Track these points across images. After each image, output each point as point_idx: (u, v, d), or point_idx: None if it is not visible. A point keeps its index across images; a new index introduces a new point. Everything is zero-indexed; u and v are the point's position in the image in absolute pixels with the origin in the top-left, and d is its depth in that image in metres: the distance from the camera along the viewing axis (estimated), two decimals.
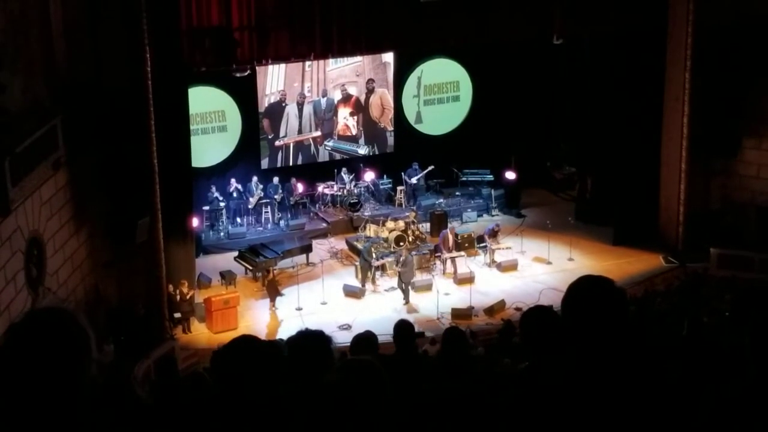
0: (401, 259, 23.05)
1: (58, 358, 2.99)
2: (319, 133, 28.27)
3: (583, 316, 3.69)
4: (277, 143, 27.79)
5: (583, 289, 3.77)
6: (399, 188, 28.17)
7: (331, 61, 27.07)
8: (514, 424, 3.82)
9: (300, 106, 27.74)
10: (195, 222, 24.09)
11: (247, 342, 4.66)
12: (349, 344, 9.49)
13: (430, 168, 28.10)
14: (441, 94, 29.69)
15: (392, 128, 29.12)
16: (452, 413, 2.69)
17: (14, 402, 2.98)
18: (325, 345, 5.44)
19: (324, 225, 26.99)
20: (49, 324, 3.06)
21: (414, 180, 28.09)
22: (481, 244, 25.00)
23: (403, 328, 8.86)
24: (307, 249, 25.13)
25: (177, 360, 19.93)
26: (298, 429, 3.05)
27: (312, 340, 5.39)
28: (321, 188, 27.60)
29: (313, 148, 28.37)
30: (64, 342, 3.02)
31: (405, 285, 22.88)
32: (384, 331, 10.94)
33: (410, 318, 18.41)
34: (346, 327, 21.07)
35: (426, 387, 2.61)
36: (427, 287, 23.34)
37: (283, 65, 26.44)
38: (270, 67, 26.19)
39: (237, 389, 4.21)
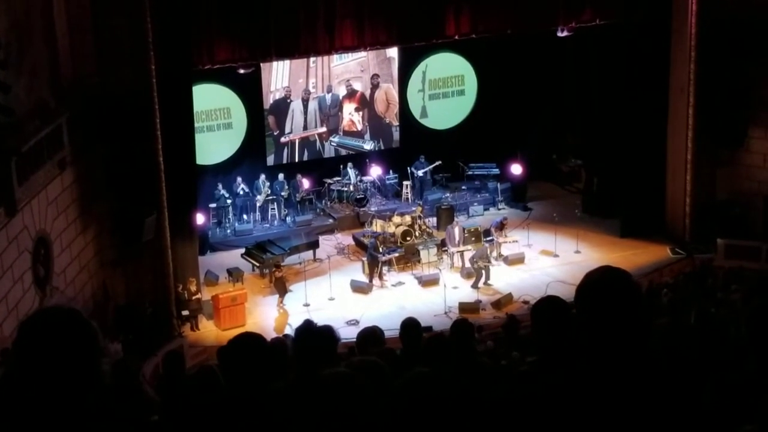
0: (479, 253, 23.42)
1: (69, 351, 3.02)
2: (324, 129, 28.28)
3: (595, 306, 3.69)
4: (282, 140, 27.80)
5: (599, 279, 3.77)
6: (405, 183, 28.19)
7: (335, 56, 27.06)
8: (520, 419, 3.82)
9: (305, 102, 27.75)
10: (201, 219, 24.17)
11: (250, 339, 4.69)
12: (355, 340, 9.50)
13: (437, 163, 28.11)
14: (446, 89, 29.67)
15: (398, 123, 29.12)
16: (453, 406, 2.69)
17: (28, 397, 3.00)
18: (330, 344, 5.41)
19: (330, 221, 27.01)
20: (57, 319, 3.08)
21: (420, 172, 28.08)
22: (488, 238, 24.99)
23: (409, 326, 8.87)
24: (314, 245, 25.16)
25: (184, 357, 19.96)
26: (302, 423, 3.06)
27: (317, 339, 5.37)
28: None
29: (318, 144, 28.38)
30: (74, 336, 3.04)
31: (488, 267, 23.21)
32: (391, 326, 10.94)
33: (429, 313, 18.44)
34: (354, 322, 21.08)
35: (425, 378, 2.61)
36: (435, 281, 23.37)
37: (287, 61, 26.45)
38: (274, 63, 26.20)
39: (241, 385, 4.24)
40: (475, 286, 23.17)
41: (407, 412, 2.75)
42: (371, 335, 8.64)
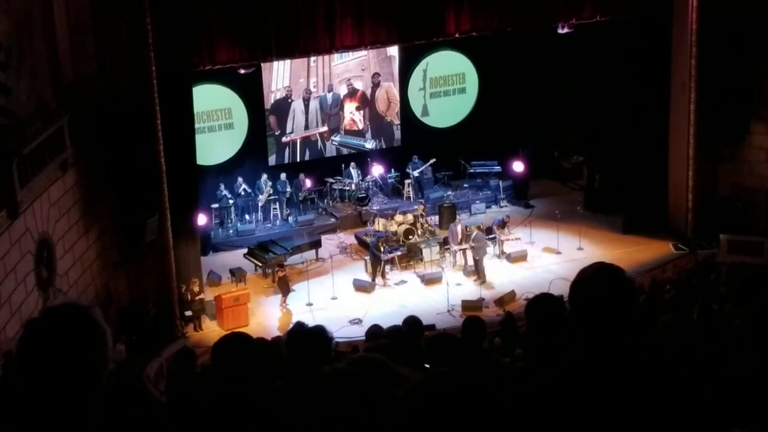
0: (473, 236, 23.40)
1: (74, 353, 2.99)
2: (325, 129, 28.27)
3: (589, 303, 3.69)
4: (284, 139, 27.79)
5: (591, 276, 3.77)
6: (407, 182, 28.18)
7: (336, 55, 27.04)
8: (519, 416, 3.81)
9: (306, 101, 27.74)
10: (203, 220, 24.19)
11: (238, 340, 4.67)
12: (359, 338, 9.51)
13: (432, 161, 28.11)
14: (447, 87, 29.67)
15: (399, 122, 29.11)
16: (456, 404, 2.69)
17: (31, 397, 2.98)
18: (323, 343, 5.38)
19: (333, 220, 27.00)
20: (65, 320, 3.04)
21: (416, 173, 28.08)
22: (490, 236, 24.98)
23: (412, 324, 8.87)
24: (317, 244, 25.16)
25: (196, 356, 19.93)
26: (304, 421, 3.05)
27: (309, 339, 5.35)
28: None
29: (320, 143, 28.37)
30: (81, 337, 3.01)
31: (479, 262, 23.26)
32: (394, 324, 10.97)
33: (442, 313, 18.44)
34: (357, 321, 21.11)
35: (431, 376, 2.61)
36: (437, 279, 23.36)
37: (287, 61, 26.44)
38: (275, 63, 26.18)
39: (233, 386, 4.22)
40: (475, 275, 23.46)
41: (426, 411, 2.74)
42: (376, 333, 8.64)
